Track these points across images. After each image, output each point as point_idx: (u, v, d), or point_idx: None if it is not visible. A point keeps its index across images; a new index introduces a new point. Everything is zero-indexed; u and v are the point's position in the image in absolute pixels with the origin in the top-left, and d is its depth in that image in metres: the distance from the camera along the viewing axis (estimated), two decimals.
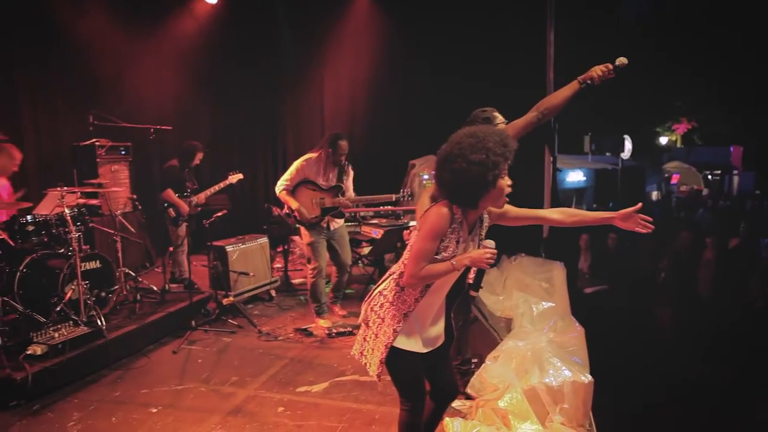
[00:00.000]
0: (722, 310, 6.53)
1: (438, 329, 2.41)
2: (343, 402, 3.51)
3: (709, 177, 20.94)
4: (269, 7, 8.03)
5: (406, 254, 2.27)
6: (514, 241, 6.62)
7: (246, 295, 5.54)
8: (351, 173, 5.00)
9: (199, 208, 5.69)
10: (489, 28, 7.04)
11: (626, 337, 6.69)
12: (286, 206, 4.87)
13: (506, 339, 3.77)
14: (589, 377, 3.14)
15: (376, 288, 2.36)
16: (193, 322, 4.83)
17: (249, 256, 5.64)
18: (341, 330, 4.79)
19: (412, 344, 2.29)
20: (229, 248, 5.41)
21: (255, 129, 8.62)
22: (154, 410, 3.42)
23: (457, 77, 6.88)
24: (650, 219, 2.26)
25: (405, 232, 4.84)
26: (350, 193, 4.96)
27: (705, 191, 16.79)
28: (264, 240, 5.91)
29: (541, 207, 8.08)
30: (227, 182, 5.78)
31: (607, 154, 17.96)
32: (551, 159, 8.22)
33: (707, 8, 20.23)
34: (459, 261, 2.16)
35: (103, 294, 4.60)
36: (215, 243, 5.37)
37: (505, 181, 2.13)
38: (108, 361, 4.09)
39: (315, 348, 4.51)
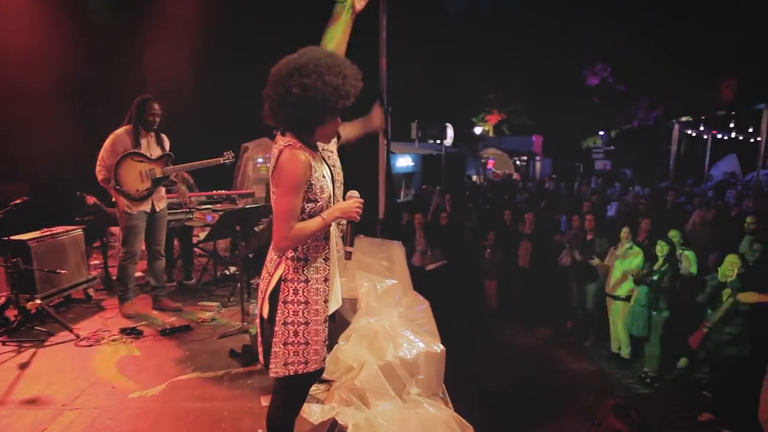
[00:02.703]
0: (539, 277, 7.29)
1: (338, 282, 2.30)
2: (185, 403, 3.15)
3: (518, 162, 23.50)
4: None
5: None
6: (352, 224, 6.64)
7: (57, 297, 4.76)
8: (167, 142, 4.71)
9: None
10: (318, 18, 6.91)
11: (461, 308, 7.17)
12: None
13: (357, 317, 3.72)
14: (441, 346, 3.23)
15: (269, 284, 2.08)
16: None
17: (59, 251, 4.84)
18: (176, 326, 4.36)
19: (330, 307, 2.16)
20: (32, 243, 4.58)
21: (61, 104, 7.39)
22: None
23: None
24: None
25: None
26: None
27: (515, 175, 18.75)
28: (77, 232, 5.12)
29: (376, 188, 8.29)
30: None
31: (435, 141, 18.99)
32: (385, 142, 8.42)
33: (517, 14, 22.64)
34: (329, 215, 2.03)
35: None
36: (13, 238, 4.52)
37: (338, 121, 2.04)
38: None
39: (147, 348, 4.02)
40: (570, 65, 23.46)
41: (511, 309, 7.86)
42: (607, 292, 6.52)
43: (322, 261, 2.08)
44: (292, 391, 2.21)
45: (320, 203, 2.01)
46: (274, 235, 1.96)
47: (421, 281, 5.41)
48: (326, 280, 2.09)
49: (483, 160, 21.47)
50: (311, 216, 2.00)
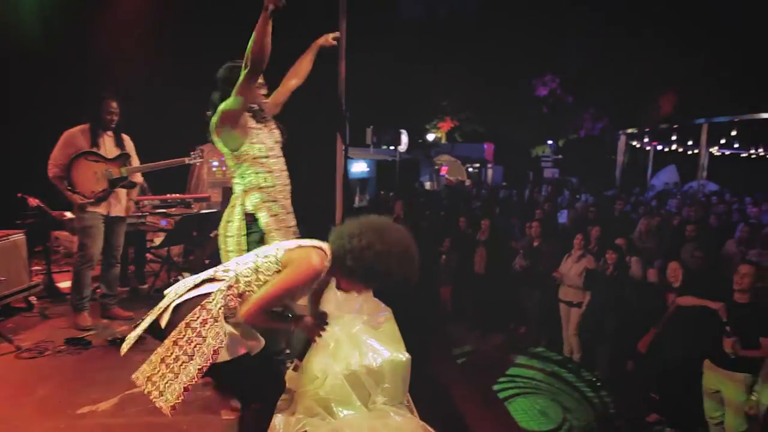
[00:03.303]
0: (495, 283, 7.40)
1: None
2: (140, 417, 3.00)
3: (470, 169, 23.92)
4: None
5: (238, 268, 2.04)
6: (307, 230, 6.58)
7: None
8: (130, 143, 4.54)
9: None
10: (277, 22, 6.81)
11: (417, 314, 7.19)
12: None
13: None
14: (407, 354, 3.21)
15: (186, 296, 2.03)
16: None
17: None
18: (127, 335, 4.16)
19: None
20: None
21: None
22: None
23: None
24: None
25: None
26: (136, 161, 4.53)
27: (468, 182, 19.05)
28: (19, 237, 4.82)
29: (333, 193, 8.20)
30: None
31: (389, 147, 19.10)
32: (343, 147, 8.36)
33: (470, 22, 23.12)
34: (296, 326, 2.23)
35: None
36: None
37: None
38: None
39: (96, 359, 3.82)
40: (520, 75, 24.11)
41: (466, 315, 7.94)
42: (559, 297, 6.69)
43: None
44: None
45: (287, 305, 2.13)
46: (248, 310, 1.96)
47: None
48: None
49: (436, 167, 21.73)
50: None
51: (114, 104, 4.33)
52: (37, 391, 3.29)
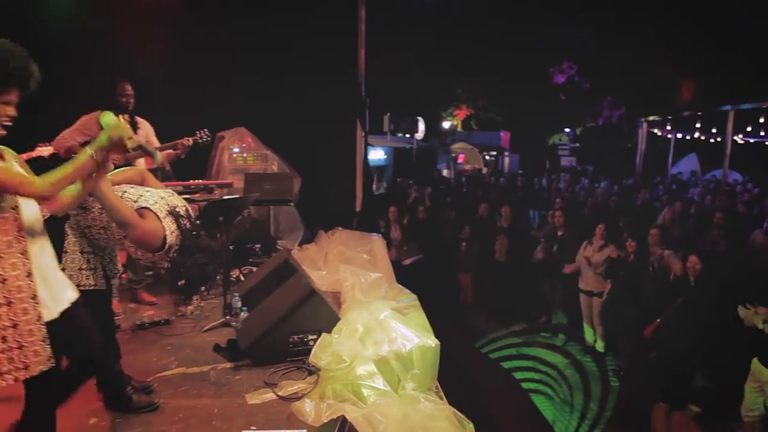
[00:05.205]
0: (515, 271, 7.36)
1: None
2: (172, 400, 3.02)
3: (487, 157, 23.76)
4: None
5: None
6: (328, 216, 6.61)
7: None
8: (147, 125, 4.51)
9: None
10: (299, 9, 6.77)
11: (439, 302, 7.18)
12: None
13: (345, 310, 3.70)
14: (436, 341, 3.19)
15: None
16: None
17: None
18: (155, 320, 4.21)
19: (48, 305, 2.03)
20: None
21: None
22: None
23: (266, 52, 6.56)
24: None
25: None
26: (156, 143, 4.57)
27: (485, 170, 18.94)
28: None
29: (353, 180, 8.16)
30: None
31: (406, 135, 19.03)
32: (363, 134, 8.34)
33: (482, 9, 22.84)
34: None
35: None
36: None
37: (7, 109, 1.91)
38: None
39: (124, 342, 3.81)
40: (537, 62, 23.83)
41: (486, 303, 7.91)
42: (579, 287, 6.62)
43: (19, 255, 1.92)
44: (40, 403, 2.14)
45: None
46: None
47: (401, 275, 5.40)
48: (29, 275, 1.94)
49: (453, 155, 21.62)
50: None
51: (128, 87, 4.24)
52: None
